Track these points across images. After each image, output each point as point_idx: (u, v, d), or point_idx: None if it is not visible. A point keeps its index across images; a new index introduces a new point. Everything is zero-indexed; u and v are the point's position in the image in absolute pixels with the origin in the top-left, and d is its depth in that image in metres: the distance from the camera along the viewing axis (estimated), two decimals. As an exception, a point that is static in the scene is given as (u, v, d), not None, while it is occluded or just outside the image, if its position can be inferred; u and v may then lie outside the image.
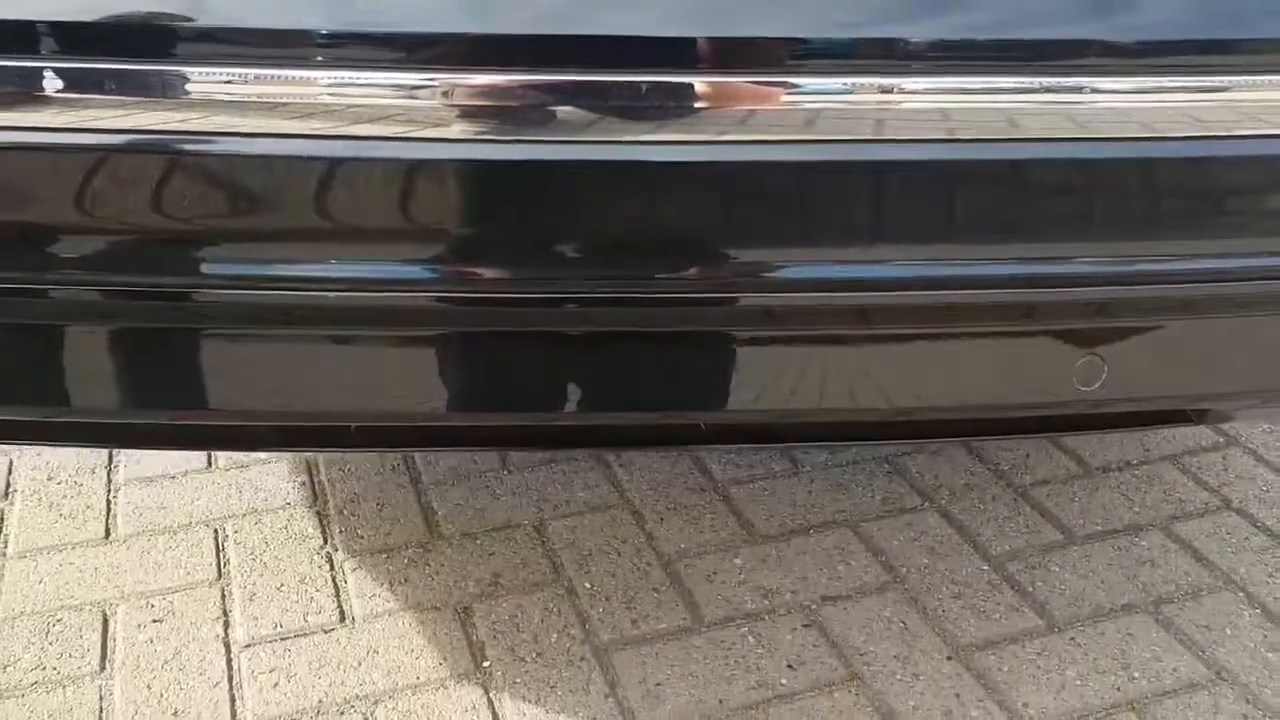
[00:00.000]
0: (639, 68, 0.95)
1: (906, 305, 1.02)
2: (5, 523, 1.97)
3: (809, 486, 2.06)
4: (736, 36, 0.96)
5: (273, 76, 0.95)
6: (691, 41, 0.96)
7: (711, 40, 0.96)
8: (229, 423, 1.15)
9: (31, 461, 2.12)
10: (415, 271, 0.98)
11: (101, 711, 1.60)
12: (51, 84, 0.96)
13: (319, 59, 0.96)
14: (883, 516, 1.99)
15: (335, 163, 0.96)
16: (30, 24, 0.96)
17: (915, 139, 0.98)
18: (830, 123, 0.97)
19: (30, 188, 0.99)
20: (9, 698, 1.62)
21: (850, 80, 0.97)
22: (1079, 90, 0.99)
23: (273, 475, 2.08)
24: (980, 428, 1.29)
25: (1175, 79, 1.01)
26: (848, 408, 1.08)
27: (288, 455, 2.12)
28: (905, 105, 0.98)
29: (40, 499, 2.03)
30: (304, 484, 2.06)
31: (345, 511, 1.99)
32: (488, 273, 0.98)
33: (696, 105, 0.95)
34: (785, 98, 0.96)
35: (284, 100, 0.96)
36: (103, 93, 0.96)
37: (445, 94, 0.94)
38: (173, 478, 2.08)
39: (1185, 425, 1.37)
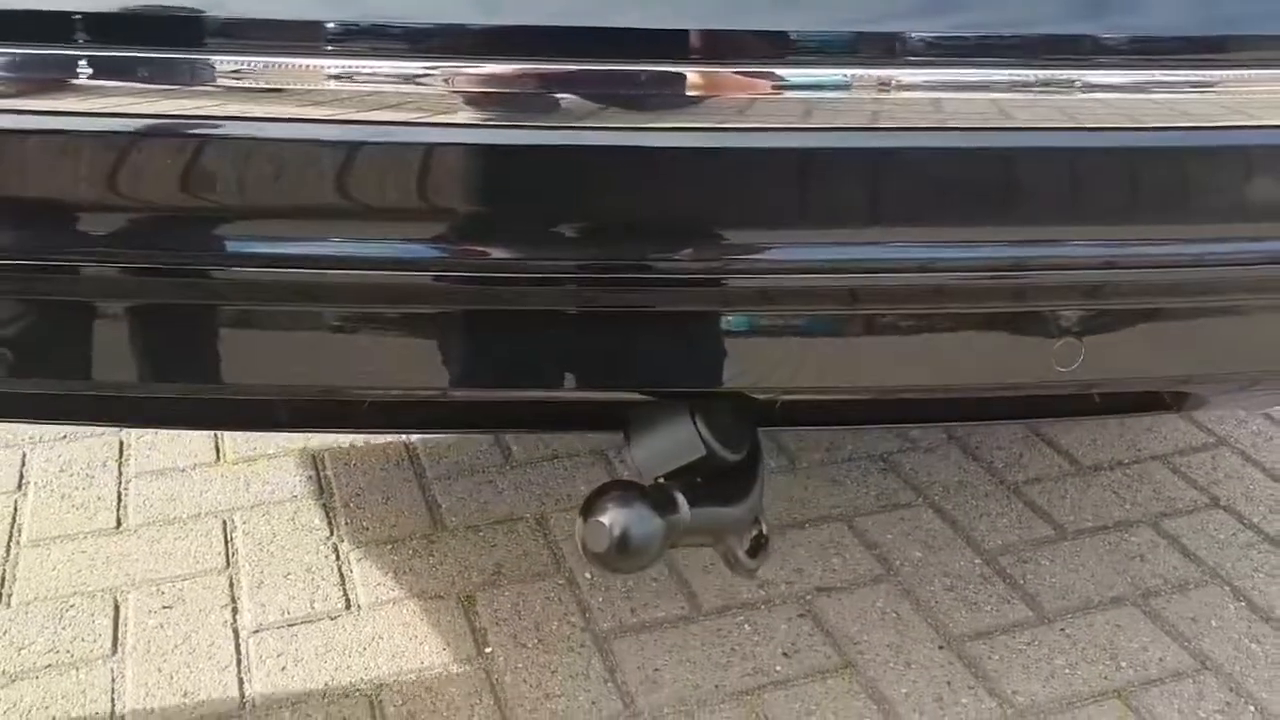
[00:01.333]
0: (644, 58, 1.00)
1: (894, 287, 1.07)
2: (19, 513, 2.01)
3: (804, 482, 2.10)
4: (737, 28, 1.00)
5: (292, 65, 1.00)
6: (698, 33, 1.00)
7: (715, 32, 1.00)
8: (244, 398, 1.19)
9: (44, 454, 2.17)
10: (428, 251, 1.03)
11: (114, 693, 1.64)
12: (82, 71, 1.00)
13: (331, 48, 1.00)
14: (877, 511, 2.03)
15: (350, 147, 1.00)
16: (61, 14, 1.00)
17: (908, 127, 1.02)
18: (827, 111, 1.02)
19: (58, 170, 1.04)
20: (24, 679, 1.66)
21: (850, 72, 1.02)
22: (1070, 83, 1.03)
23: (279, 469, 2.13)
24: (963, 410, 1.33)
25: (1163, 72, 1.05)
26: (836, 387, 1.12)
27: (294, 450, 2.17)
28: (900, 96, 1.02)
29: (53, 490, 2.07)
30: (310, 478, 2.10)
31: (351, 504, 2.03)
32: (498, 252, 1.03)
33: (701, 94, 1.00)
34: (782, 87, 1.00)
35: (301, 87, 1.00)
36: (130, 80, 1.01)
37: (457, 81, 0.99)
38: (182, 470, 2.12)
39: (1162, 412, 1.41)
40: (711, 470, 1.18)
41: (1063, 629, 1.77)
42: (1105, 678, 1.69)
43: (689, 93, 1.00)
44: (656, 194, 1.04)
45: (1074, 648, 1.74)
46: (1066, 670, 1.70)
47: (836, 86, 1.02)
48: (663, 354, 1.11)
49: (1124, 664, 1.71)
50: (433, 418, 1.26)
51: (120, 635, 1.74)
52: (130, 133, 1.01)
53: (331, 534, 1.96)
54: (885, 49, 1.03)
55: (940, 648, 1.74)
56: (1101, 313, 1.12)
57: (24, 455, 2.16)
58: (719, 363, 1.11)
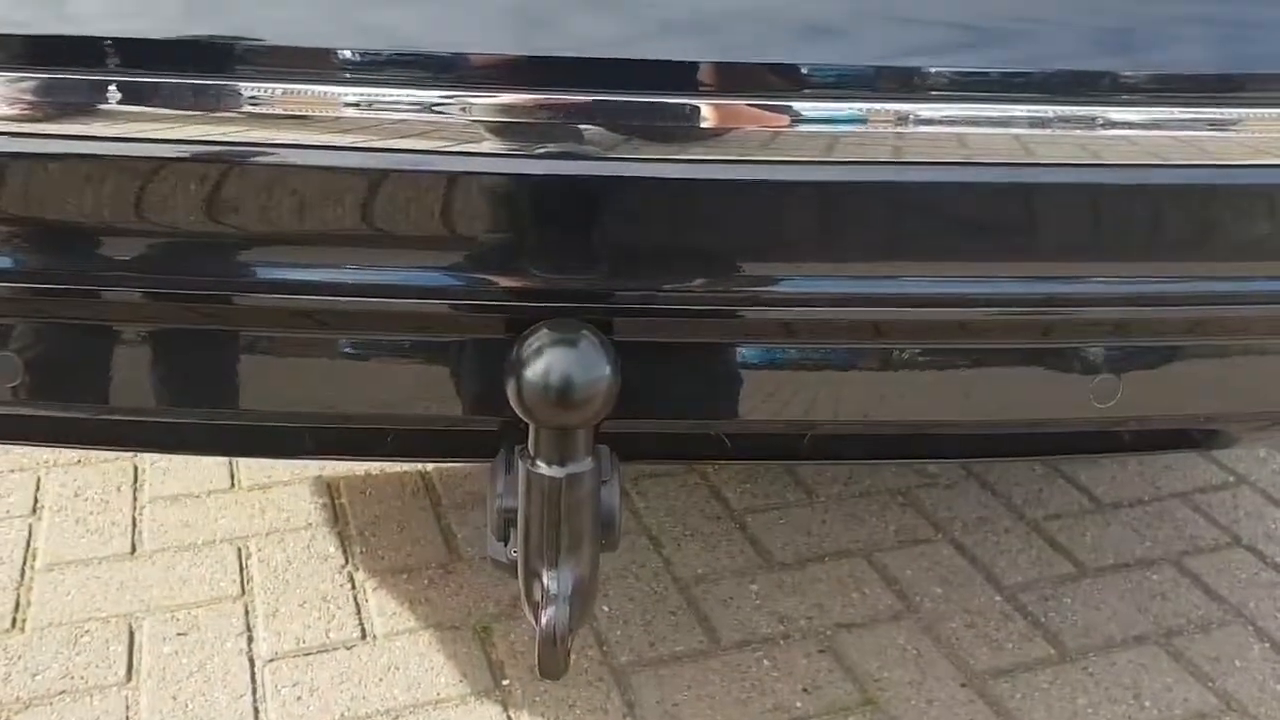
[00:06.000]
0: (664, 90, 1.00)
1: (935, 322, 1.07)
2: (34, 537, 2.00)
3: (823, 516, 2.09)
4: (761, 61, 1.00)
5: (317, 94, 1.00)
6: (718, 66, 1.00)
7: (735, 65, 1.00)
8: (266, 424, 1.18)
9: (59, 479, 2.16)
10: (453, 279, 1.03)
11: (127, 720, 1.63)
12: (110, 96, 1.00)
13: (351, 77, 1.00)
14: (896, 547, 2.02)
15: (377, 175, 1.00)
16: (89, 40, 1.00)
17: (932, 161, 1.02)
18: (856, 145, 1.02)
19: (80, 193, 1.03)
20: (37, 706, 1.64)
21: (869, 106, 1.02)
22: (1092, 120, 1.03)
23: (294, 497, 2.12)
24: (996, 446, 1.32)
25: (1185, 110, 1.05)
26: (862, 421, 1.12)
27: (309, 477, 2.16)
28: (923, 131, 1.02)
29: (68, 514, 2.06)
30: (325, 505, 2.09)
31: (366, 533, 2.02)
32: (515, 282, 1.03)
33: (723, 127, 1.00)
34: (799, 120, 1.00)
35: (325, 115, 1.00)
36: (154, 105, 1.01)
37: (480, 111, 0.99)
38: (197, 497, 2.11)
39: (1191, 449, 1.40)
40: None
41: (1085, 668, 1.76)
42: (1129, 718, 1.67)
43: (710, 125, 1.00)
44: (680, 225, 1.04)
45: (1097, 687, 1.72)
46: (1089, 710, 1.68)
47: (858, 120, 1.02)
48: (693, 386, 1.11)
49: (1147, 704, 1.69)
50: (462, 447, 1.26)
51: (135, 662, 1.72)
52: (152, 157, 1.01)
53: (347, 562, 1.95)
54: (906, 84, 1.03)
55: (962, 685, 1.72)
56: (1140, 349, 1.12)
57: (39, 480, 2.16)
58: (738, 397, 1.11)
